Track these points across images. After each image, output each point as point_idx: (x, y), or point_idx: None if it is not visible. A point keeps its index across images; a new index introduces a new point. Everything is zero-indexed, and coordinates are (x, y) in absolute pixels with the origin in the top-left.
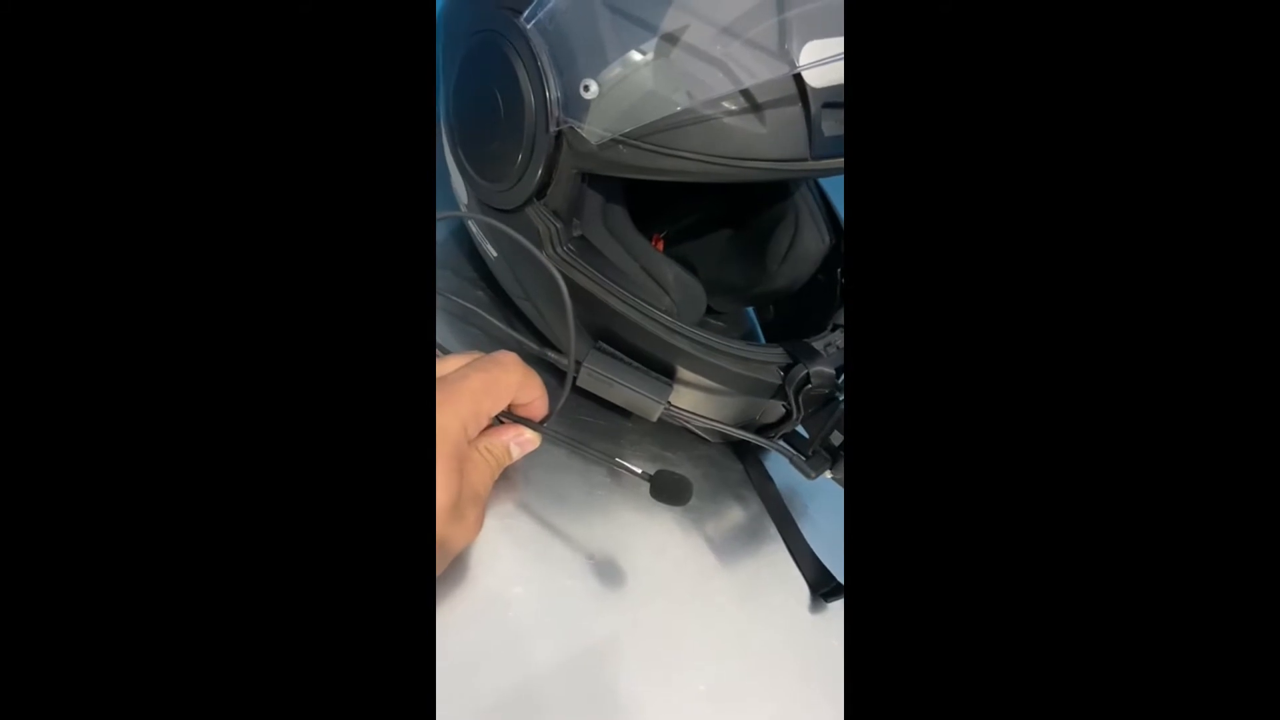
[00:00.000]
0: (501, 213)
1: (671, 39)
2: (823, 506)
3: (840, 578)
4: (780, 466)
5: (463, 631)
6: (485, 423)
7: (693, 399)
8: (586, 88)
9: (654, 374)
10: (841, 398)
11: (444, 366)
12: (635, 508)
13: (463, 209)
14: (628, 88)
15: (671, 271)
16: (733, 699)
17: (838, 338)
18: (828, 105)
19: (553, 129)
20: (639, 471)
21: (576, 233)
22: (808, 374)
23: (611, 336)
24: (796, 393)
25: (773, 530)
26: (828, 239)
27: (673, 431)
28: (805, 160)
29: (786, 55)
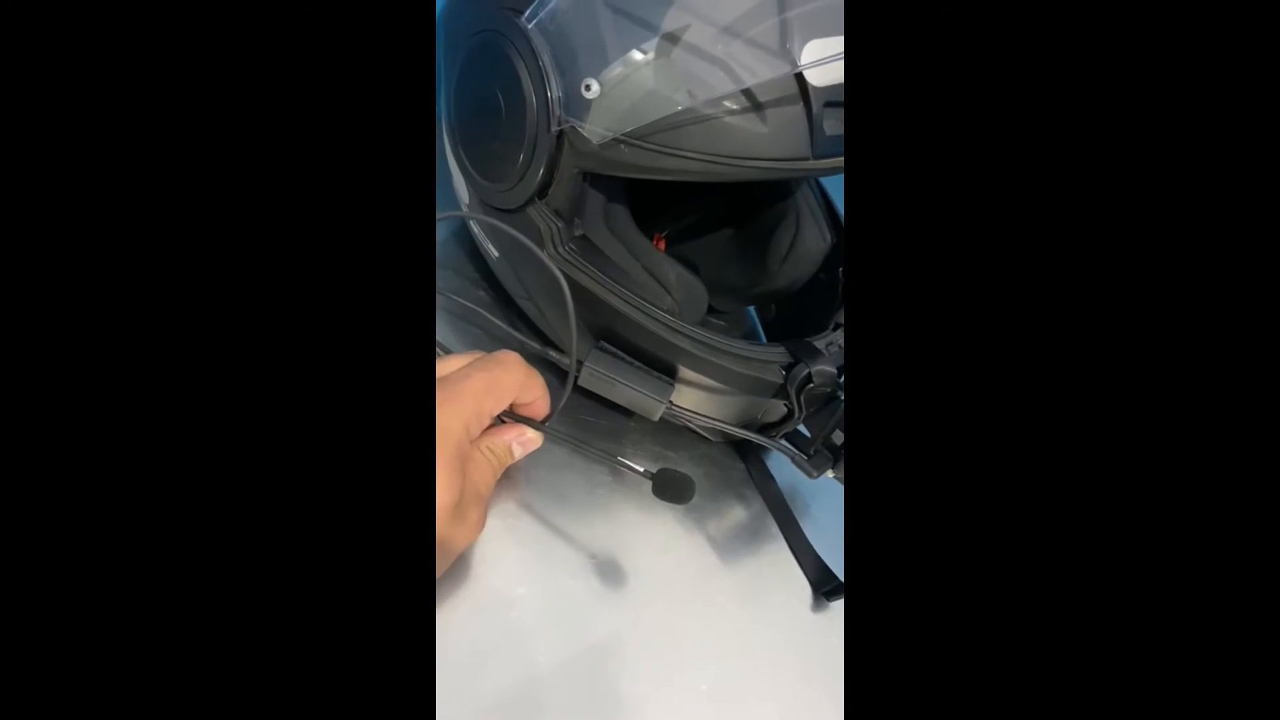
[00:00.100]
0: (503, 212)
1: (673, 38)
2: (825, 506)
3: (842, 577)
4: (782, 466)
5: (465, 631)
6: (487, 422)
7: (694, 398)
8: (588, 87)
9: (656, 373)
10: (843, 397)
11: (446, 366)
12: (637, 507)
13: (464, 209)
14: (629, 87)
15: (673, 271)
16: (735, 698)
17: (839, 336)
18: (829, 104)
19: (554, 128)
20: (641, 470)
21: (578, 232)
22: (809, 373)
23: (613, 336)
24: (798, 392)
25: (775, 529)
26: (829, 238)
27: (674, 431)
28: (807, 159)
29: (788, 54)
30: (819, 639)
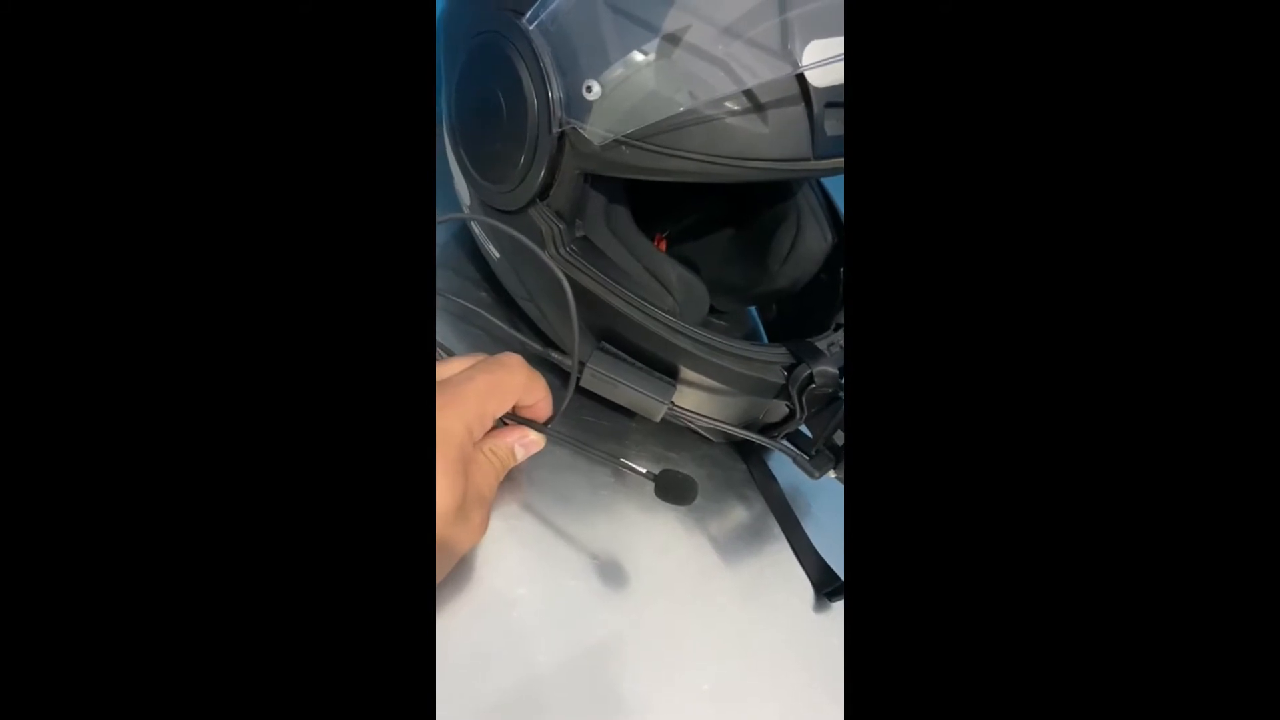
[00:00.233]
0: (504, 214)
1: (673, 39)
2: (826, 506)
3: (843, 577)
4: (784, 466)
5: (467, 632)
6: (490, 425)
7: (696, 399)
8: (589, 88)
9: (657, 374)
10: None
11: (449, 368)
12: (639, 507)
13: (466, 210)
14: (630, 88)
15: (674, 271)
16: (736, 698)
17: (841, 337)
18: (830, 105)
19: (555, 130)
20: (644, 471)
21: (579, 233)
22: (811, 373)
23: (614, 337)
24: (800, 392)
25: (776, 530)
26: (830, 238)
27: (676, 431)
28: (808, 160)
29: (789, 55)
30: (820, 639)
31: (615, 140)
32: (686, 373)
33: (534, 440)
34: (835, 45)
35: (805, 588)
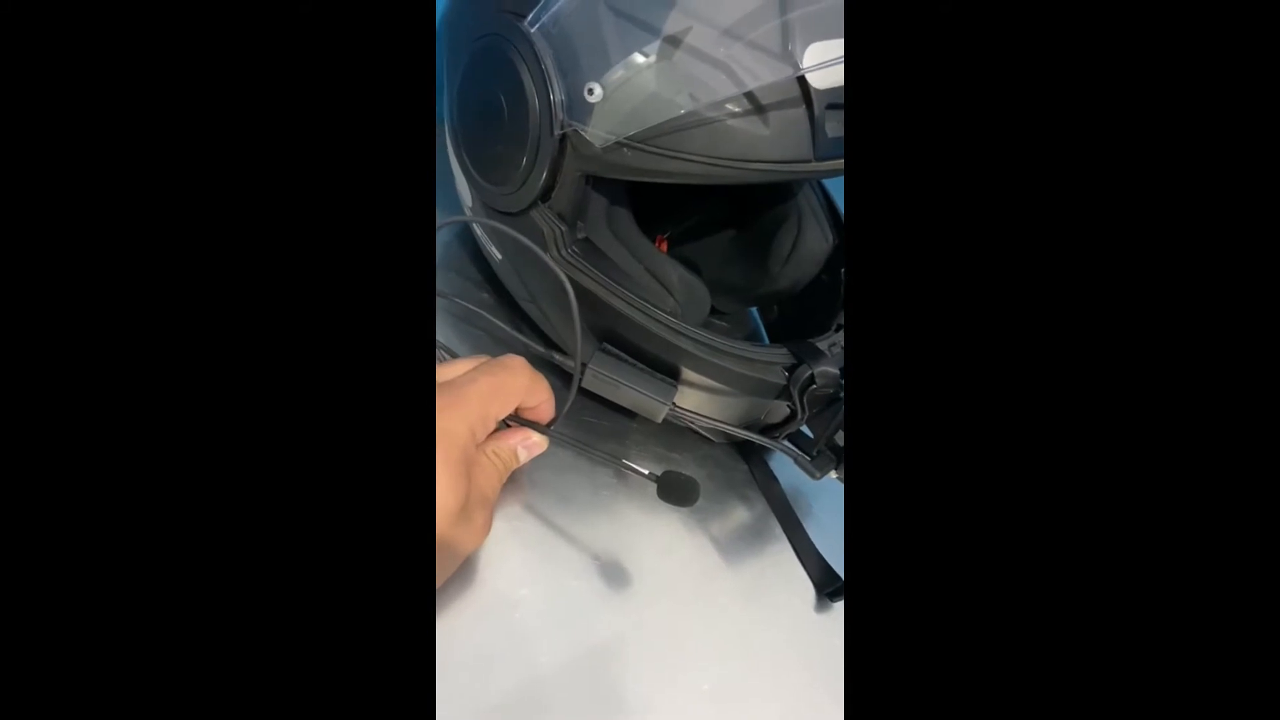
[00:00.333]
0: (506, 215)
1: (674, 41)
2: (827, 506)
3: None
4: (785, 466)
5: (470, 632)
6: (493, 427)
7: (697, 400)
8: (590, 91)
9: (659, 375)
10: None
11: (452, 370)
12: (640, 508)
13: (468, 212)
14: (631, 90)
15: (675, 273)
16: (738, 699)
17: (842, 337)
18: (831, 107)
19: (557, 132)
20: (646, 473)
21: (581, 235)
22: (812, 374)
23: (616, 338)
24: (801, 393)
25: (778, 530)
26: (831, 239)
27: (677, 432)
28: (809, 162)
29: (790, 57)
30: (822, 640)
31: (617, 142)
32: (688, 374)
33: (537, 442)
34: (836, 47)
35: (807, 588)
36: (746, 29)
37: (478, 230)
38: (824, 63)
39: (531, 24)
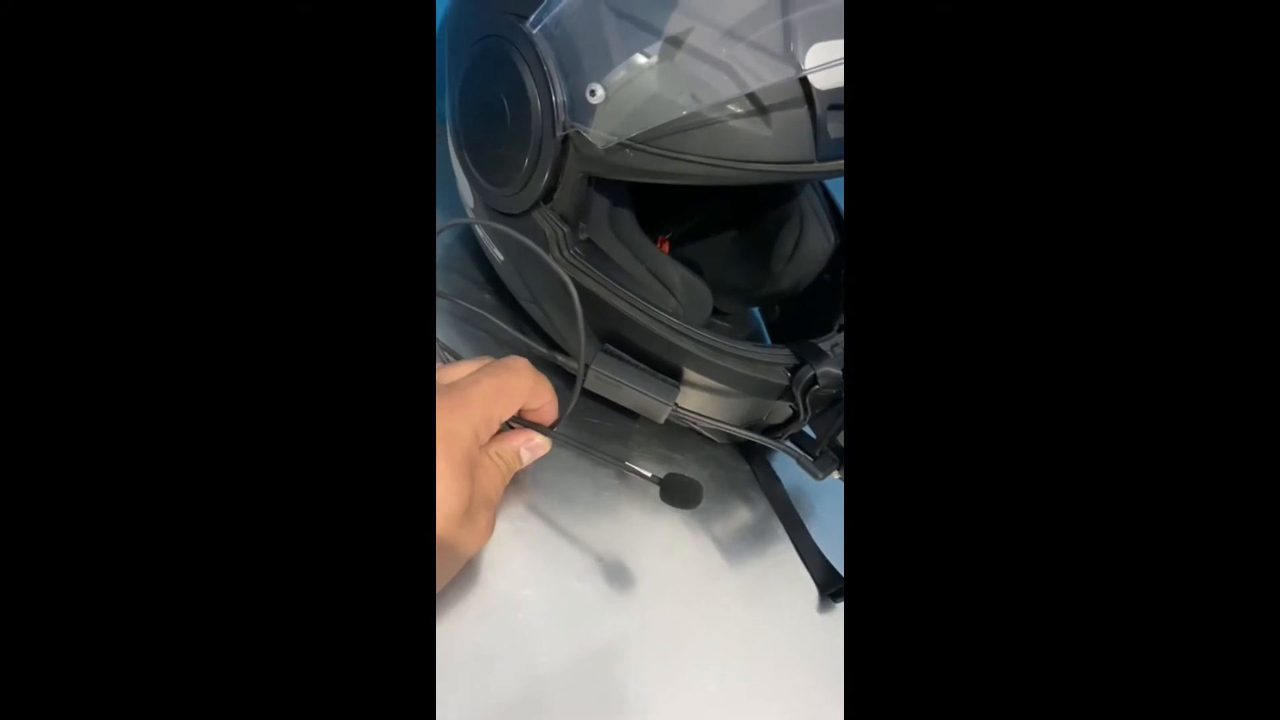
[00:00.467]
0: (508, 217)
1: (676, 42)
2: (830, 507)
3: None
4: (787, 467)
5: (473, 633)
6: (496, 428)
7: (699, 400)
8: (593, 92)
9: (661, 376)
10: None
11: (455, 372)
12: (643, 509)
13: (470, 213)
14: (633, 91)
15: (677, 273)
16: (740, 699)
17: (844, 338)
18: (833, 107)
19: (559, 133)
20: (649, 475)
21: (583, 236)
22: (814, 375)
23: (618, 339)
24: (803, 393)
25: (780, 531)
26: (833, 239)
27: (679, 433)
28: (811, 162)
29: (792, 58)
30: (824, 640)
31: (619, 143)
32: (690, 374)
33: (540, 444)
34: (838, 48)
35: (809, 589)
36: (748, 30)
37: (480, 232)
38: (826, 63)
39: (533, 25)
